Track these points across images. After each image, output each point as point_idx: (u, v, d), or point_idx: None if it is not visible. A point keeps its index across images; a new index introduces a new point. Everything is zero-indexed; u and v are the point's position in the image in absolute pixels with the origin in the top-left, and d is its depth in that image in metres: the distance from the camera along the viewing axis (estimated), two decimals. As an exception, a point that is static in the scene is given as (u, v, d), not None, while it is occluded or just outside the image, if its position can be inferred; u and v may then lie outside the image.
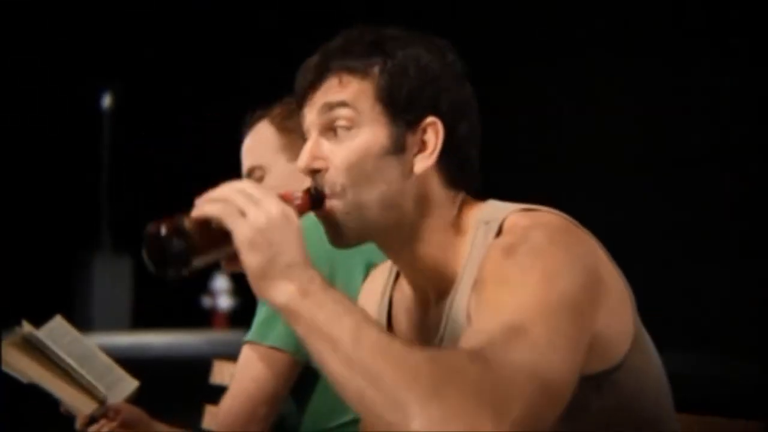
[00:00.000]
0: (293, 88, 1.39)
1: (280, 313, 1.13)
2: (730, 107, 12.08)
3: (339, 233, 1.32)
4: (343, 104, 1.31)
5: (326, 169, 1.30)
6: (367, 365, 1.08)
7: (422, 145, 1.32)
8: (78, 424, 1.94)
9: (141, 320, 15.73)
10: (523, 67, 13.10)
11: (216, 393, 2.47)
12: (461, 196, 1.36)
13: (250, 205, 1.14)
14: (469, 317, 1.27)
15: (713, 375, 8.74)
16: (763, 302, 11.23)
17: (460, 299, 1.32)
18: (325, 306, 1.11)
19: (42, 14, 15.45)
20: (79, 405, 1.91)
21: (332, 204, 1.30)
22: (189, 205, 1.17)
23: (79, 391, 1.91)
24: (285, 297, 1.12)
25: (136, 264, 16.29)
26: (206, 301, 16.64)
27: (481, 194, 1.43)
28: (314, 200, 1.28)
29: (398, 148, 1.31)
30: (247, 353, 1.78)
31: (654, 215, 12.23)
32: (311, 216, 1.70)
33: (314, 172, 1.31)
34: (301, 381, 1.82)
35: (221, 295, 16.45)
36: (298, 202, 1.26)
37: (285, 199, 1.21)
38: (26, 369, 1.89)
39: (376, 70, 1.31)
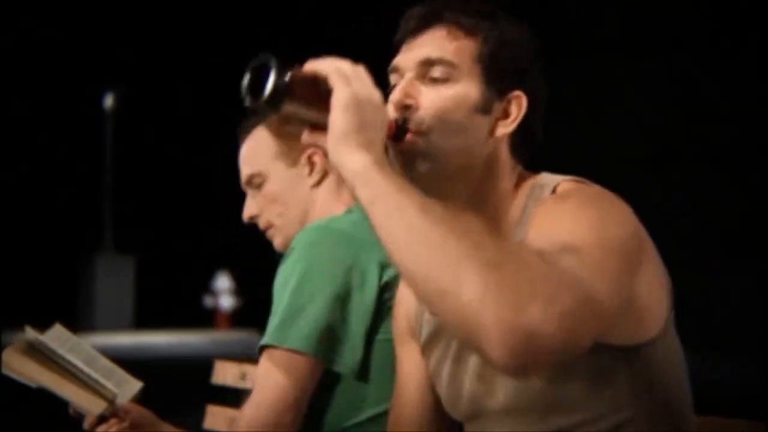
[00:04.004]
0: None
1: (348, 179, 1.19)
2: (736, 107, 12.07)
3: (412, 167, 1.37)
4: (444, 61, 1.38)
5: (416, 108, 1.37)
6: (430, 232, 1.13)
7: (505, 114, 1.41)
8: (86, 424, 1.94)
9: (143, 320, 15.73)
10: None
11: (218, 393, 2.47)
12: (519, 167, 1.45)
13: (358, 81, 1.23)
14: None
15: (715, 375, 8.74)
16: (765, 302, 11.22)
17: None
18: (396, 180, 1.19)
19: (44, 15, 15.46)
20: (89, 405, 1.91)
21: (413, 140, 1.36)
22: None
23: (87, 392, 1.91)
24: (360, 164, 1.19)
25: (138, 264, 16.30)
26: (208, 301, 16.63)
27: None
28: (398, 131, 1.34)
29: (485, 110, 1.39)
30: (267, 360, 1.76)
31: (655, 216, 12.21)
32: (333, 220, 1.73)
33: (405, 108, 1.37)
34: (320, 381, 1.81)
35: (223, 294, 16.43)
36: None
37: None
38: (33, 374, 1.90)
39: (483, 32, 1.40)
